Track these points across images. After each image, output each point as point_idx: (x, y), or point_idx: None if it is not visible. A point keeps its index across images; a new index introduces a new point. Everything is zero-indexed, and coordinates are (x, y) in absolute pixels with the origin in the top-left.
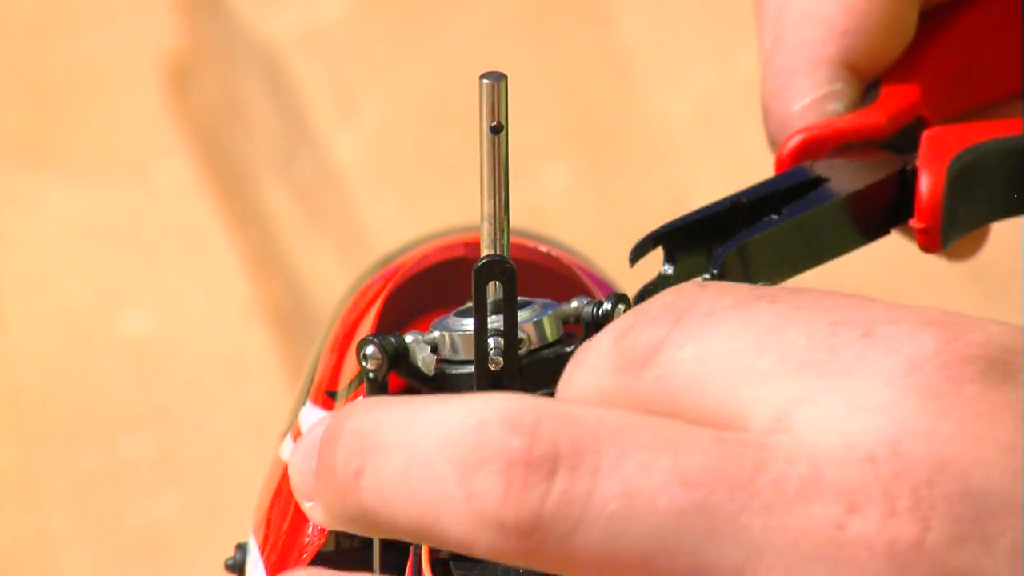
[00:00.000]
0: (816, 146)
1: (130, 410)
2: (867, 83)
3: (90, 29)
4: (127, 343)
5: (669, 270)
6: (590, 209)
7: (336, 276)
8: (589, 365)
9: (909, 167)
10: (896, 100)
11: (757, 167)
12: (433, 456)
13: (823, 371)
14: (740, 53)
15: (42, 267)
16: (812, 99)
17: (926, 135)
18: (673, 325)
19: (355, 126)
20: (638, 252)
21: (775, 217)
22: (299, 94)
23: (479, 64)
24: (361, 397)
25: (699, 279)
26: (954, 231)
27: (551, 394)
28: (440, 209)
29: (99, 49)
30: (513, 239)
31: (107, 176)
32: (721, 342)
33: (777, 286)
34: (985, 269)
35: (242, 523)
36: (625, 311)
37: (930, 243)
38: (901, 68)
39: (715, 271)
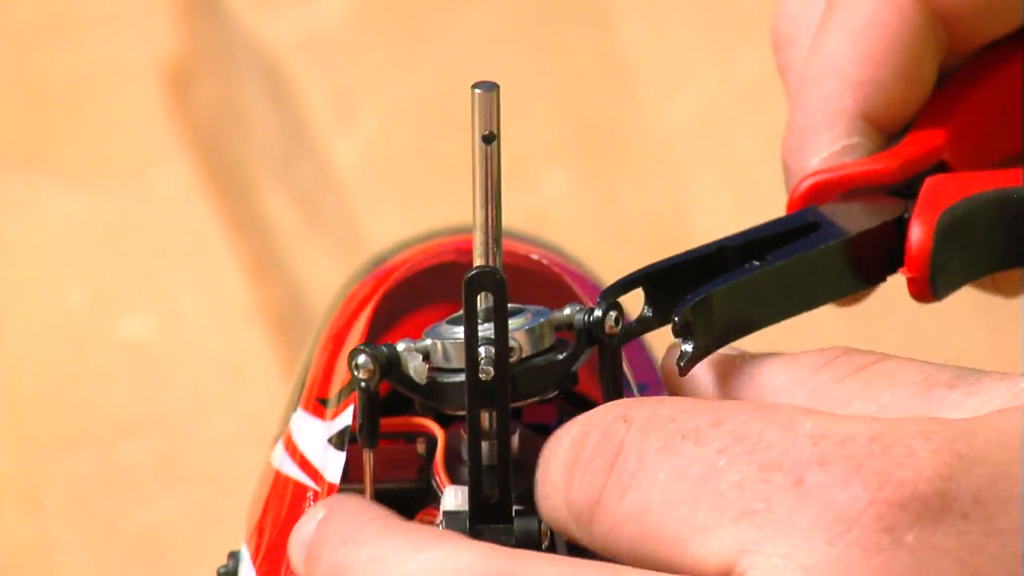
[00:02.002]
0: (826, 190)
1: (129, 415)
2: (889, 135)
3: (90, 34)
4: (126, 348)
5: (648, 312)
6: (589, 214)
7: (335, 281)
8: (549, 502)
9: (907, 215)
10: (915, 146)
11: (756, 172)
12: None
13: (760, 521)
14: (739, 59)
15: (41, 272)
16: (830, 152)
17: (928, 182)
18: (609, 473)
19: (354, 131)
20: (608, 295)
21: (756, 263)
22: (298, 99)
23: (478, 69)
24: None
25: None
26: (945, 281)
27: (542, 402)
28: (439, 213)
29: (99, 54)
30: (505, 244)
31: (106, 181)
32: (658, 495)
33: (698, 410)
34: None
35: (242, 527)
36: (616, 318)
37: (920, 293)
38: (929, 116)
39: (676, 318)
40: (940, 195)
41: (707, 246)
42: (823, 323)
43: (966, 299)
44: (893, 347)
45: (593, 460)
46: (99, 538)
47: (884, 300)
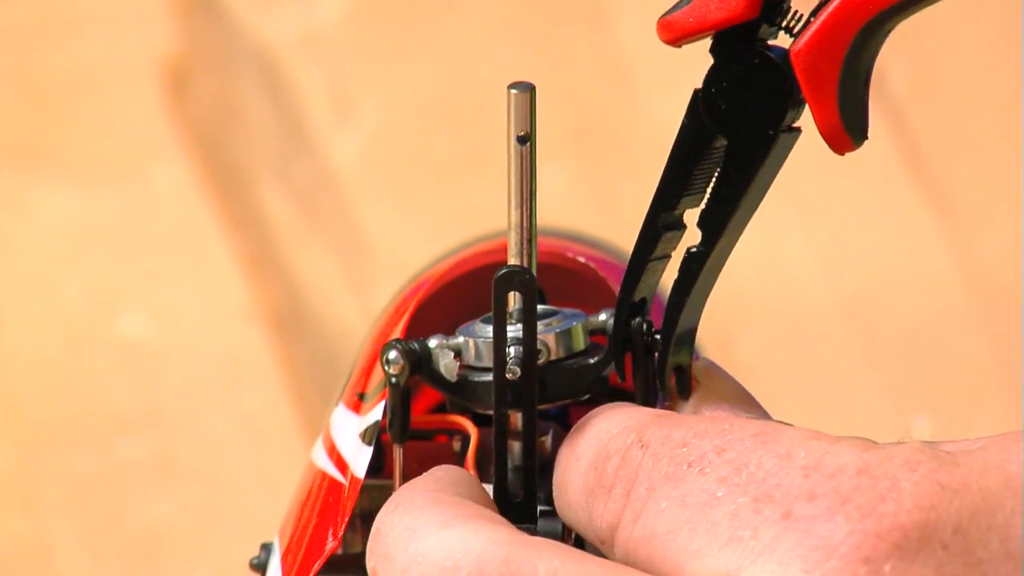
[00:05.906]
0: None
1: (127, 413)
2: None
3: (87, 32)
4: (124, 346)
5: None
6: (588, 212)
7: (333, 279)
8: (571, 515)
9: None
10: None
11: None
12: None
13: (744, 548)
14: None
15: (39, 270)
16: None
17: (796, 61)
18: (626, 500)
19: (352, 129)
20: (619, 313)
21: (692, 248)
22: (296, 97)
23: (477, 67)
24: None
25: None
26: (858, 124)
27: (580, 404)
28: (437, 212)
29: (96, 52)
30: (549, 242)
31: (104, 179)
32: (663, 523)
33: (708, 434)
34: (985, 272)
35: (240, 525)
36: (650, 327)
37: (844, 148)
38: None
39: (671, 377)
40: (821, 73)
41: (646, 233)
42: (824, 323)
43: (966, 299)
44: (893, 347)
45: (614, 487)
46: (97, 535)
47: (884, 301)
